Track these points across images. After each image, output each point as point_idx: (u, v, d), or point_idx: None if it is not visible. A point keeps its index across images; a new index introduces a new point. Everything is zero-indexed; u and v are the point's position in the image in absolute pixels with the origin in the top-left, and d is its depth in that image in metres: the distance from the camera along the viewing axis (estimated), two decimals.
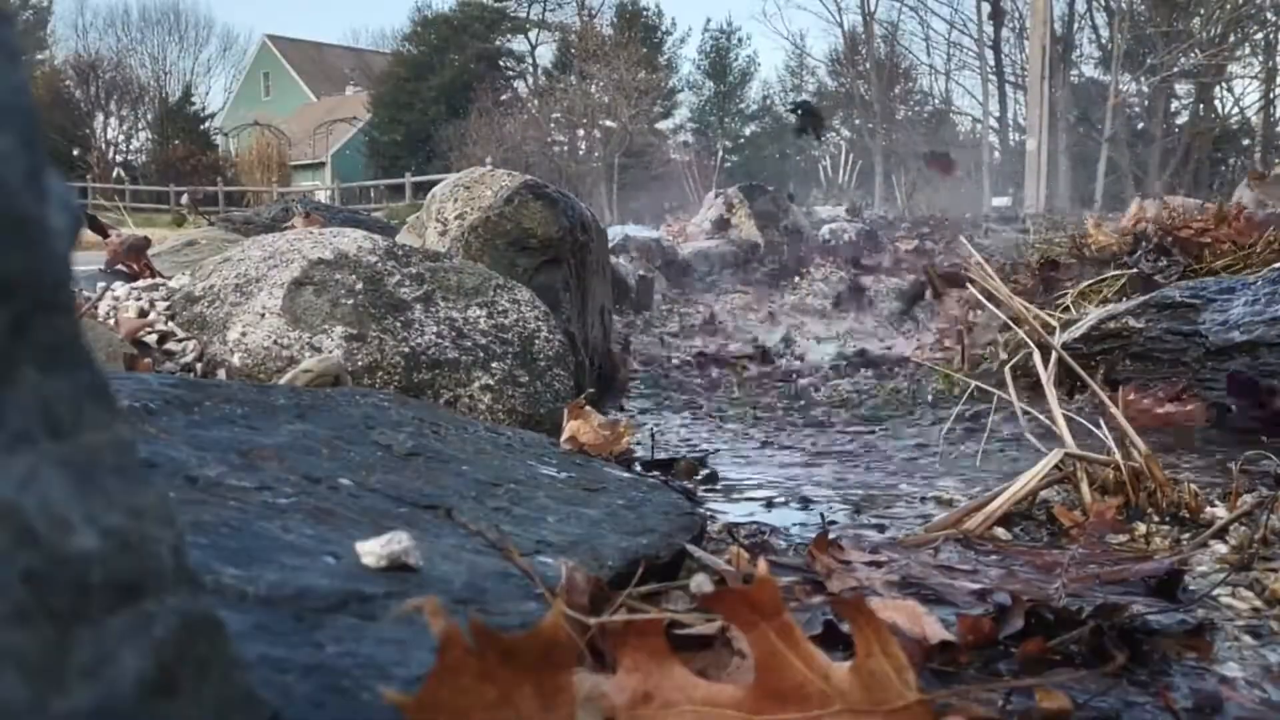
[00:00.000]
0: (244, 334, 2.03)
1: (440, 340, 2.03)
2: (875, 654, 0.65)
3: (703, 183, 17.04)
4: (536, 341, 2.15)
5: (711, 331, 4.80)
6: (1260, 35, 25.90)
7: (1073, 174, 23.81)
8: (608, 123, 29.74)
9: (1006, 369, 2.00)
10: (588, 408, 1.86)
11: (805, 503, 1.78)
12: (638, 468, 1.86)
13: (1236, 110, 28.10)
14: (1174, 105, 27.97)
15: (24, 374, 0.41)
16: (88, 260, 2.85)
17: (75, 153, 32.28)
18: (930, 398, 3.10)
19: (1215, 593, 1.23)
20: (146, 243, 2.88)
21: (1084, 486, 1.59)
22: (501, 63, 36.26)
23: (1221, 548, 1.40)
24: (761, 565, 0.69)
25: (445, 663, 0.55)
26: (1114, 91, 24.34)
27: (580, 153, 30.32)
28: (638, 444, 2.04)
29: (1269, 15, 25.05)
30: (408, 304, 2.08)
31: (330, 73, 43.70)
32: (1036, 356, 1.92)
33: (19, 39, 0.46)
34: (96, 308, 2.28)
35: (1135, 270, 3.54)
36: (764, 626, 0.66)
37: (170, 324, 2.16)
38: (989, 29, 28.59)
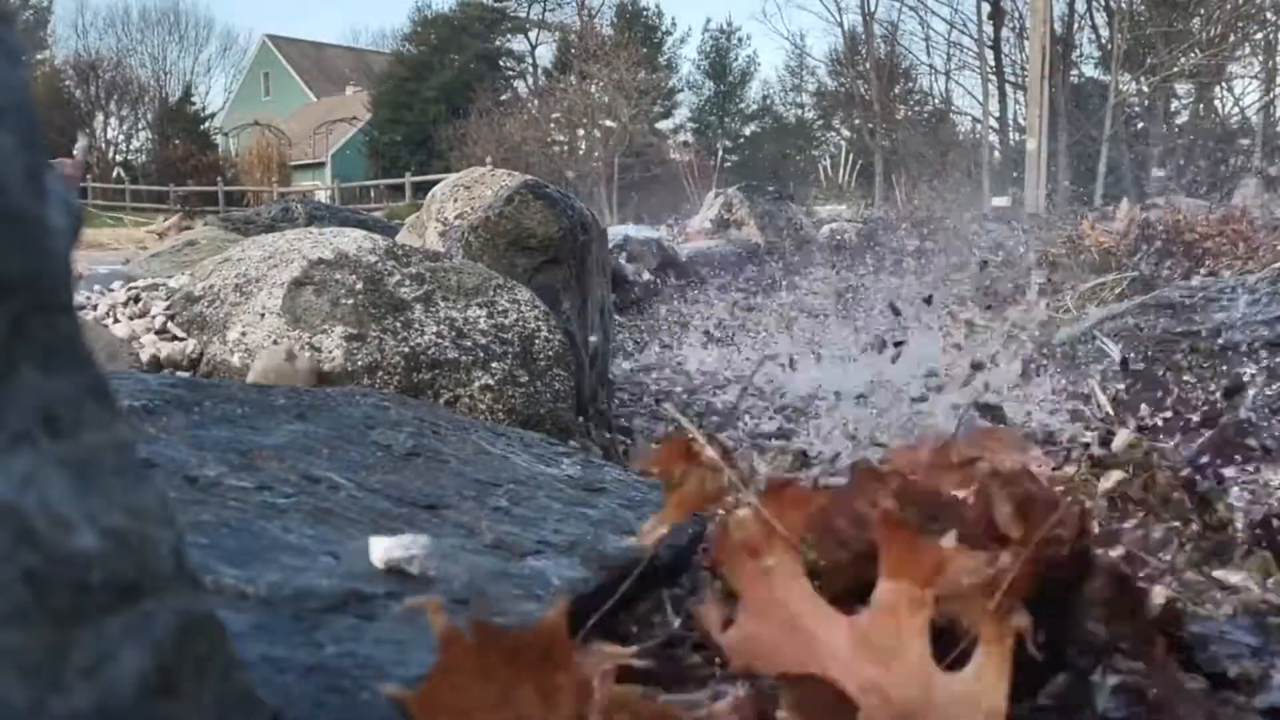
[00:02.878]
0: (244, 334, 2.03)
1: (440, 340, 2.03)
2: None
3: (703, 183, 17.03)
4: (536, 341, 2.15)
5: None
6: (1260, 35, 25.89)
7: (1073, 174, 23.80)
8: (608, 123, 29.70)
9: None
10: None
11: None
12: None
13: (1236, 110, 28.09)
14: (1174, 105, 27.96)
15: (23, 374, 0.41)
16: (89, 260, 2.84)
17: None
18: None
19: None
20: None
21: None
22: (501, 63, 36.23)
23: None
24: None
25: (446, 661, 0.55)
26: (1114, 91, 24.33)
27: (580, 153, 30.28)
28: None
29: (1269, 15, 25.03)
30: (408, 304, 2.08)
31: (330, 73, 43.67)
32: None
33: (19, 39, 0.46)
34: (96, 307, 2.28)
35: (1136, 273, 3.54)
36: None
37: (170, 324, 2.16)
38: (989, 29, 28.58)
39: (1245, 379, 2.31)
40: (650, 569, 1.10)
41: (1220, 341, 2.63)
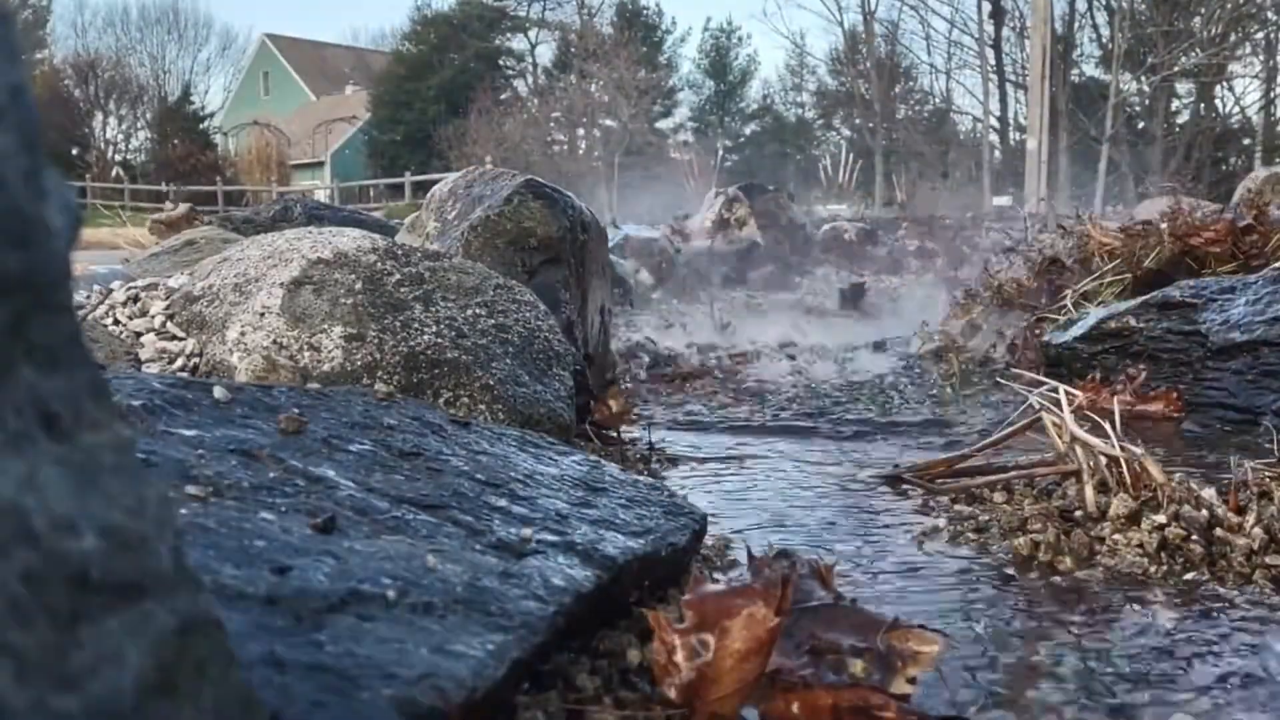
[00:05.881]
0: (243, 334, 2.03)
1: (440, 340, 2.02)
2: None
3: (703, 182, 17.03)
4: (536, 341, 2.15)
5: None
6: (1260, 35, 25.90)
7: (1073, 174, 23.79)
8: (608, 122, 29.70)
9: None
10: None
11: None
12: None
13: (1237, 109, 28.10)
14: (1174, 104, 27.96)
15: (23, 373, 0.41)
16: (90, 259, 2.84)
17: (74, 152, 32.26)
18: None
19: None
20: None
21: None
22: (501, 62, 36.22)
23: None
24: None
25: None
26: (1114, 91, 24.33)
27: (580, 152, 30.27)
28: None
29: (1269, 15, 25.05)
30: (407, 304, 2.07)
31: (330, 72, 43.64)
32: None
33: (19, 38, 0.46)
34: (97, 308, 2.28)
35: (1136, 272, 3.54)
36: None
37: (169, 324, 2.16)
38: (989, 28, 28.60)
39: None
40: (657, 565, 1.10)
41: (1220, 341, 2.63)
